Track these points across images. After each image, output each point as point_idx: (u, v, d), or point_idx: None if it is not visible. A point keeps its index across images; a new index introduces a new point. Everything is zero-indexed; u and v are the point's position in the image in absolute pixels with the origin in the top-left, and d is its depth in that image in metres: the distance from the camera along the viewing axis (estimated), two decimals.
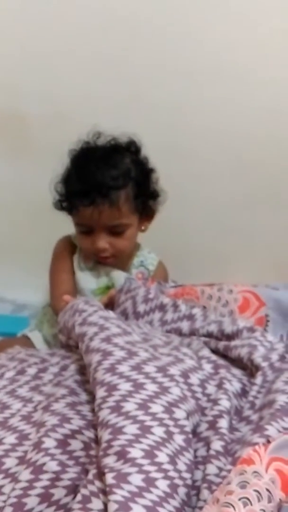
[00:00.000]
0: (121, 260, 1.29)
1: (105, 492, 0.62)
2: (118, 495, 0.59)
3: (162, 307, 1.00)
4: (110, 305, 1.17)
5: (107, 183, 1.16)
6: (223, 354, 0.90)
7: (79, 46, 1.42)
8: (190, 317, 0.97)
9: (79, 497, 0.63)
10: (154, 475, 0.62)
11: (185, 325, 0.96)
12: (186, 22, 1.39)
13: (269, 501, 0.60)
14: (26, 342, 1.36)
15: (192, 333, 0.95)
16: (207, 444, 0.72)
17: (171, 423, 0.68)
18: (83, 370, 0.87)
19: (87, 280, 1.31)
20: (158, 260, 1.35)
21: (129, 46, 1.42)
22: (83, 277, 1.31)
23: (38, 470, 0.68)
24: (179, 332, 0.96)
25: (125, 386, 0.71)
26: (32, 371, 0.89)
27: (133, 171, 1.21)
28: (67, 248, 1.34)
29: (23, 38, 1.41)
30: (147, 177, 1.25)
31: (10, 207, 1.60)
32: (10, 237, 1.64)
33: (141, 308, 1.02)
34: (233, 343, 0.90)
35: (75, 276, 1.32)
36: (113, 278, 1.30)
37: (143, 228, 1.29)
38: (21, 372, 0.89)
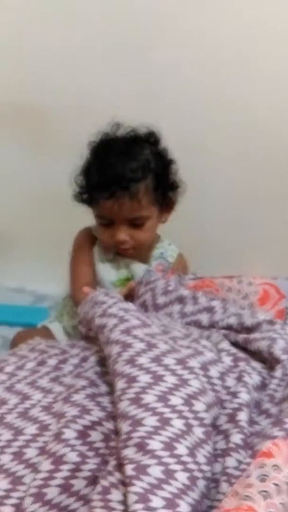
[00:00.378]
0: (141, 252, 1.29)
1: (124, 483, 0.62)
2: (138, 486, 0.60)
3: (181, 299, 1.00)
4: (129, 297, 1.17)
5: (127, 175, 1.16)
6: (242, 347, 0.89)
7: (100, 39, 1.42)
8: (210, 310, 0.96)
9: (98, 488, 0.64)
10: (174, 467, 0.62)
11: (204, 318, 0.96)
12: (209, 17, 1.38)
13: None
14: (46, 333, 1.36)
15: (212, 325, 0.95)
16: (227, 437, 0.72)
17: (190, 415, 0.68)
18: (103, 361, 0.87)
19: (107, 271, 1.31)
20: (178, 252, 1.35)
21: (150, 39, 1.41)
22: (103, 269, 1.32)
23: (58, 460, 0.68)
24: (198, 325, 0.96)
25: (144, 378, 0.71)
26: (52, 362, 0.89)
27: (153, 163, 1.21)
28: (87, 240, 1.34)
29: (45, 32, 1.41)
30: (167, 168, 1.24)
31: (31, 199, 1.61)
32: (30, 229, 1.65)
33: (161, 300, 1.02)
34: (252, 336, 0.89)
35: (95, 268, 1.32)
36: (132, 270, 1.30)
37: (163, 219, 1.28)
38: (42, 363, 0.89)
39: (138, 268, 1.29)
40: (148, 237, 1.25)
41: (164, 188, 1.23)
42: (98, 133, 1.24)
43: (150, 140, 1.24)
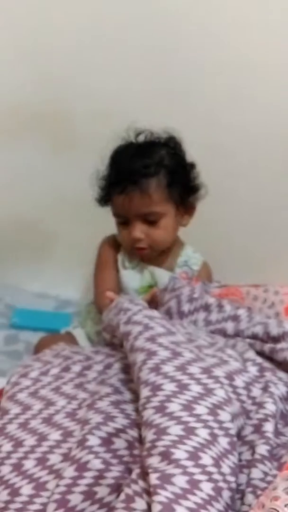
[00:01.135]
0: (158, 253, 1.28)
1: (148, 492, 0.62)
2: (162, 496, 0.59)
3: (206, 307, 0.99)
4: (152, 303, 1.17)
5: (137, 170, 1.18)
6: (268, 357, 0.88)
7: (124, 43, 1.42)
8: (235, 318, 0.95)
9: (122, 496, 0.63)
10: (198, 477, 0.62)
11: (229, 326, 0.95)
12: (230, 20, 1.38)
13: None
14: (70, 339, 1.37)
15: (237, 334, 0.94)
16: (252, 448, 0.71)
17: (215, 425, 0.68)
18: (127, 368, 0.87)
19: (131, 278, 1.31)
20: (202, 260, 1.34)
21: (173, 42, 1.41)
22: (126, 276, 1.32)
23: (82, 467, 0.68)
24: (223, 333, 0.95)
25: (169, 387, 0.70)
26: (76, 368, 0.90)
27: (167, 160, 1.22)
28: (111, 247, 1.35)
29: (69, 33, 1.42)
30: (184, 168, 1.25)
31: (53, 203, 1.61)
32: (53, 233, 1.66)
33: (186, 307, 1.01)
34: (279, 345, 0.88)
35: (118, 275, 1.32)
36: (156, 276, 1.29)
37: (184, 222, 1.28)
38: (66, 369, 0.89)
39: (162, 275, 1.28)
40: (164, 235, 1.24)
41: (181, 188, 1.23)
42: (119, 138, 1.26)
43: (169, 143, 1.25)
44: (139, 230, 1.22)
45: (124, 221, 1.24)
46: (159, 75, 1.44)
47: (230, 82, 1.44)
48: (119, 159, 1.24)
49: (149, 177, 1.18)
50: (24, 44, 1.43)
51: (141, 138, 1.26)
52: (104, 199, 1.26)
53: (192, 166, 1.27)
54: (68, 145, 1.51)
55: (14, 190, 1.60)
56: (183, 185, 1.23)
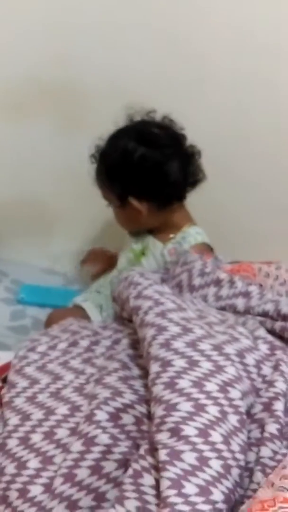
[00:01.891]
0: (159, 227, 1.32)
1: (157, 468, 0.61)
2: (171, 472, 0.58)
3: (218, 282, 0.97)
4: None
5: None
6: (279, 335, 0.87)
7: (140, 20, 1.39)
8: (246, 295, 0.94)
9: (130, 471, 0.63)
10: (208, 454, 0.61)
11: (240, 302, 0.93)
12: (259, 10, 1.35)
13: None
14: (80, 312, 1.36)
15: (247, 311, 0.92)
16: (261, 426, 0.70)
17: (225, 402, 0.67)
18: (135, 344, 0.86)
19: (128, 242, 1.37)
20: (200, 241, 1.30)
21: (193, 23, 1.38)
22: (128, 240, 1.38)
23: (89, 442, 0.67)
24: (233, 309, 0.94)
25: (179, 363, 0.69)
26: (84, 343, 0.89)
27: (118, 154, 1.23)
28: None
29: (83, 9, 1.39)
30: (139, 170, 1.22)
31: (64, 180, 1.60)
32: (62, 210, 1.65)
33: (197, 281, 1.00)
34: None
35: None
36: (148, 243, 1.33)
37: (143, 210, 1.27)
38: (74, 344, 0.89)
39: (152, 243, 1.33)
40: (120, 222, 1.33)
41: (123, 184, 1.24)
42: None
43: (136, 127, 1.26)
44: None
45: None
46: (177, 55, 1.41)
47: (249, 66, 1.41)
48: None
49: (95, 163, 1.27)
50: (37, 21, 1.41)
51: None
52: None
53: (165, 162, 1.23)
54: (78, 123, 1.50)
55: (23, 166, 1.59)
56: (125, 182, 1.23)
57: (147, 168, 1.21)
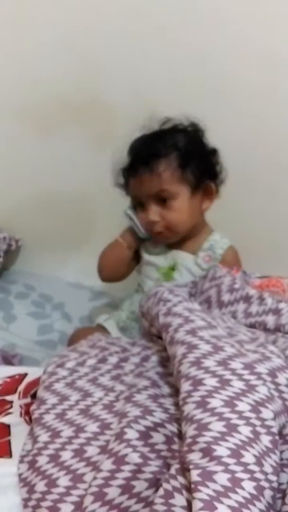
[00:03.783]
0: (182, 239, 1.29)
1: (188, 488, 0.60)
2: (203, 493, 0.58)
3: (247, 299, 0.97)
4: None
5: (148, 152, 1.21)
6: None
7: (165, 38, 1.40)
8: (276, 312, 0.93)
9: (161, 491, 0.62)
10: (240, 475, 0.60)
11: (270, 320, 0.93)
12: (275, 19, 1.35)
13: None
14: (102, 331, 1.36)
15: (278, 328, 0.91)
16: None
17: (258, 422, 0.66)
18: (164, 362, 0.85)
19: (154, 262, 1.34)
20: (229, 245, 1.32)
21: (214, 37, 1.39)
22: (150, 259, 1.34)
23: (120, 460, 0.67)
24: (263, 326, 0.93)
25: (211, 382, 0.69)
26: (113, 360, 0.89)
27: (181, 143, 1.23)
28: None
29: (109, 28, 1.41)
30: (202, 153, 1.25)
31: (90, 196, 1.61)
32: (90, 224, 1.66)
33: (226, 297, 0.99)
34: None
35: (142, 259, 1.37)
36: (177, 258, 1.31)
37: (203, 206, 1.28)
38: (103, 360, 0.89)
39: (184, 257, 1.30)
40: (179, 218, 1.24)
41: (197, 171, 1.23)
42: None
43: (187, 130, 1.26)
44: (153, 212, 1.24)
45: (141, 205, 1.27)
46: (203, 70, 1.42)
47: (269, 75, 1.42)
48: (134, 145, 1.27)
49: (160, 157, 1.21)
50: (60, 38, 1.43)
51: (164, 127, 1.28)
52: (124, 183, 1.29)
53: (213, 152, 1.27)
54: (107, 137, 1.51)
55: (52, 181, 1.61)
56: (199, 169, 1.23)
57: (211, 151, 1.26)
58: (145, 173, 1.21)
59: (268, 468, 0.63)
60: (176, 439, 0.71)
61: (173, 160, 1.21)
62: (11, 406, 0.85)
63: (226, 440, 0.62)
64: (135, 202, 1.29)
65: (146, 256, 1.35)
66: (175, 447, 0.70)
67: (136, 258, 1.41)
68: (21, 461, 0.75)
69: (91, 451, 0.72)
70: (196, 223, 1.29)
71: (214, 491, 0.58)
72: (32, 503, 0.69)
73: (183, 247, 1.31)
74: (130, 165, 1.26)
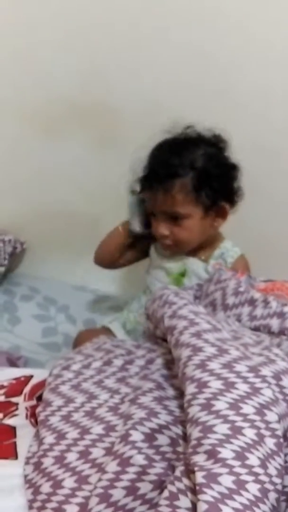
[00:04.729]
0: (183, 250, 1.29)
1: (193, 490, 0.61)
2: (208, 495, 0.58)
3: (252, 302, 0.97)
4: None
5: (164, 170, 1.18)
6: None
7: (168, 39, 1.41)
8: (281, 315, 0.93)
9: (166, 493, 0.62)
10: (245, 477, 0.60)
11: (275, 323, 0.93)
12: (278, 19, 1.35)
13: None
14: (107, 333, 1.37)
15: (282, 332, 0.92)
16: None
17: (262, 425, 0.66)
18: (169, 364, 0.86)
19: (164, 265, 1.34)
20: (240, 254, 1.32)
21: (218, 39, 1.39)
22: (159, 262, 1.34)
23: (125, 462, 0.67)
24: (268, 329, 0.93)
25: (216, 384, 0.69)
26: (118, 362, 0.89)
27: (200, 162, 1.19)
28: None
29: (113, 31, 1.42)
30: (221, 171, 1.22)
31: (96, 199, 1.62)
32: (94, 227, 1.66)
33: (231, 300, 1.00)
34: None
35: (152, 261, 1.38)
36: (187, 264, 1.30)
37: (215, 224, 1.26)
38: (108, 363, 0.89)
39: (194, 264, 1.30)
40: (188, 237, 1.24)
41: (213, 191, 1.20)
42: (165, 131, 1.25)
43: (210, 142, 1.23)
44: (163, 227, 1.23)
45: (154, 214, 1.26)
46: (207, 71, 1.43)
47: (276, 76, 1.42)
48: (154, 154, 1.24)
49: (174, 177, 1.17)
50: (66, 40, 1.44)
51: (187, 133, 1.24)
52: (139, 191, 1.27)
53: (233, 168, 1.24)
54: (111, 139, 1.51)
55: (57, 183, 1.61)
56: (214, 189, 1.21)
57: (230, 169, 1.23)
58: (159, 190, 1.19)
59: (272, 471, 0.63)
60: (181, 441, 0.71)
61: (189, 182, 1.18)
62: (17, 408, 0.85)
63: (231, 443, 0.63)
64: (149, 209, 1.27)
65: (156, 259, 1.36)
66: (180, 449, 0.71)
67: (136, 254, 1.42)
68: (26, 463, 0.75)
69: (96, 452, 0.72)
70: (206, 238, 1.28)
71: (219, 493, 0.58)
72: (37, 504, 0.69)
73: (195, 254, 1.31)
74: (145, 179, 1.24)
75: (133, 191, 1.29)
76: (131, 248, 1.40)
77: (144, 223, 1.31)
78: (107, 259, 1.43)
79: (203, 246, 1.31)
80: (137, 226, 1.31)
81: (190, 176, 1.18)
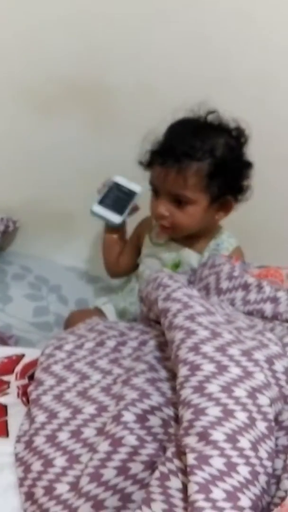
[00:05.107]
0: (189, 236, 1.27)
1: (184, 471, 0.61)
2: (199, 476, 0.58)
3: (246, 286, 0.97)
4: None
5: (183, 149, 1.14)
6: None
7: (166, 21, 1.39)
8: (274, 300, 0.93)
9: (157, 474, 0.63)
10: (236, 460, 0.61)
11: (268, 308, 0.93)
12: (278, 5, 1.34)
13: None
14: (99, 314, 1.36)
15: (275, 316, 0.92)
16: None
17: (254, 409, 0.66)
18: (162, 346, 0.86)
19: (158, 254, 1.32)
20: (235, 246, 1.30)
21: (216, 21, 1.38)
22: (153, 251, 1.32)
23: (116, 442, 0.68)
24: (261, 314, 0.93)
25: (208, 367, 0.69)
26: (111, 343, 0.89)
27: (219, 151, 1.16)
28: (142, 226, 1.38)
29: (110, 12, 1.40)
30: (236, 165, 1.19)
31: (90, 179, 1.60)
32: (87, 207, 1.65)
33: (224, 284, 1.00)
34: None
35: (144, 250, 1.36)
36: (181, 255, 1.29)
37: (216, 217, 1.24)
38: (101, 344, 0.89)
39: (189, 255, 1.28)
40: (187, 222, 1.21)
41: (224, 183, 1.18)
42: (188, 111, 1.21)
43: (232, 133, 1.20)
44: (164, 208, 1.19)
45: (155, 192, 1.22)
46: (204, 52, 1.41)
47: (273, 63, 1.41)
48: (174, 131, 1.20)
49: (192, 159, 1.14)
50: (63, 19, 1.41)
51: (210, 118, 1.21)
52: (147, 163, 1.22)
53: (247, 165, 1.21)
54: (108, 120, 1.50)
55: (50, 163, 1.60)
56: (226, 181, 1.18)
57: (245, 165, 1.21)
58: (172, 168, 1.15)
59: (263, 454, 0.64)
60: (172, 423, 0.72)
61: (206, 167, 1.15)
62: (8, 387, 0.86)
63: (223, 425, 0.63)
64: (151, 186, 1.23)
65: (150, 247, 1.34)
66: (171, 430, 0.71)
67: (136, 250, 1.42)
68: (17, 441, 0.75)
69: (88, 432, 0.72)
70: (204, 226, 1.26)
71: (210, 474, 0.59)
72: (28, 482, 0.69)
73: (190, 245, 1.29)
74: (160, 152, 1.18)
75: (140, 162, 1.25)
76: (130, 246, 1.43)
77: (119, 211, 1.31)
78: (117, 270, 1.46)
79: (200, 237, 1.28)
80: (115, 219, 1.30)
81: (207, 162, 1.15)
